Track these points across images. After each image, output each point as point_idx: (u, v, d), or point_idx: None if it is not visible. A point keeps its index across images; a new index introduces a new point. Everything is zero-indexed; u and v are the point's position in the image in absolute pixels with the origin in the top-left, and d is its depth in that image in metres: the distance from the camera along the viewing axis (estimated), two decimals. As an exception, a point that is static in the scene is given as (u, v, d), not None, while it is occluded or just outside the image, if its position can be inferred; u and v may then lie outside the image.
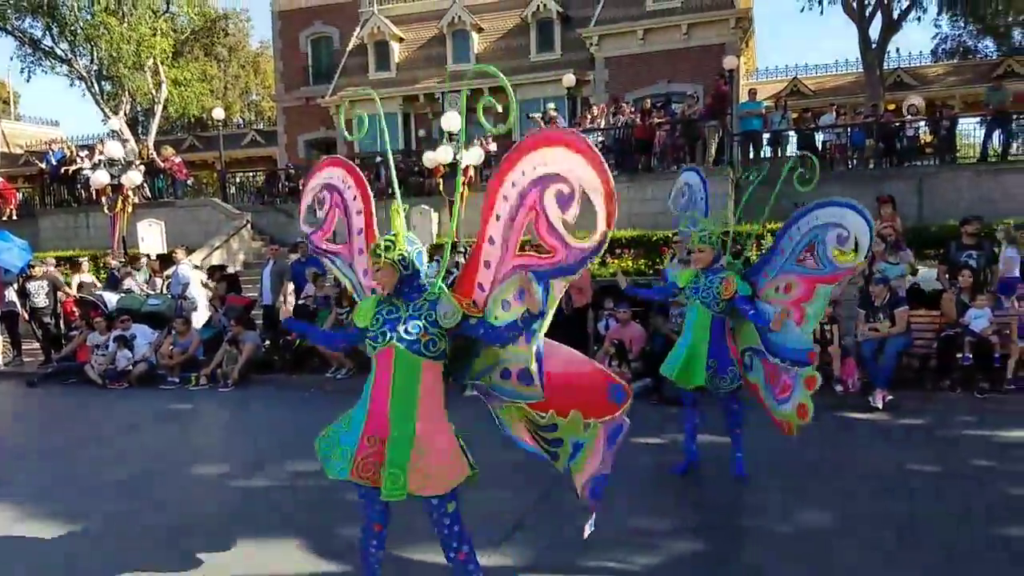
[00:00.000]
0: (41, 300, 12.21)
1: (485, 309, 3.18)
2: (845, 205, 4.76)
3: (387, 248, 3.17)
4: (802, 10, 26.71)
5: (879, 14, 21.26)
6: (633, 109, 17.62)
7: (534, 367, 3.15)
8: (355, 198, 3.73)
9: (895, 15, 21.57)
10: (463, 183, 15.97)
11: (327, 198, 3.82)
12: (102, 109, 29.36)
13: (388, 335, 3.13)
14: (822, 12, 22.68)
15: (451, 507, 3.16)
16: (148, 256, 14.29)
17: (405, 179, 19.07)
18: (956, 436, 6.62)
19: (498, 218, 3.08)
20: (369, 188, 3.77)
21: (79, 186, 19.26)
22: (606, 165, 2.79)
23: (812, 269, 4.91)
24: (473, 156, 15.64)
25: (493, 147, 18.37)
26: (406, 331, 3.11)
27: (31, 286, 12.26)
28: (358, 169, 3.85)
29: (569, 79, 21.05)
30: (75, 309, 12.37)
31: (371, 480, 3.09)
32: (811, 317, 4.91)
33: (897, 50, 26.28)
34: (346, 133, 4.04)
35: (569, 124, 19.43)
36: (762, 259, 5.40)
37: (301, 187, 3.88)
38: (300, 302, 11.56)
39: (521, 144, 2.97)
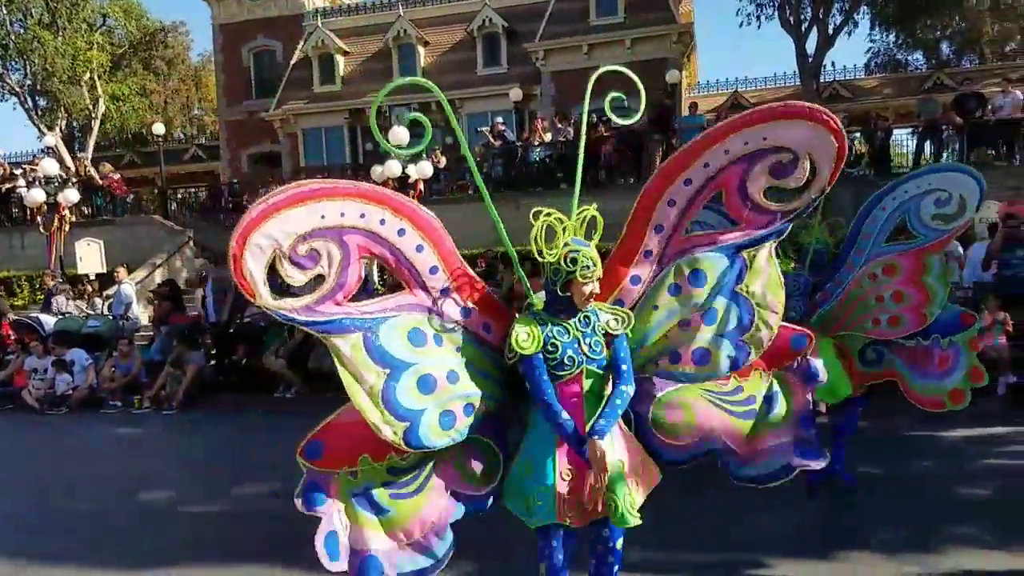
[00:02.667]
0: (-24, 325, 11.78)
1: (637, 304, 3.02)
2: (939, 170, 4.65)
3: (593, 263, 2.77)
4: (741, 25, 27.48)
5: (815, 29, 21.98)
6: (577, 122, 17.86)
7: (725, 350, 3.00)
8: (402, 232, 2.81)
9: (830, 30, 22.33)
10: (415, 197, 15.98)
11: (327, 251, 2.69)
12: (36, 125, 28.45)
13: (577, 359, 2.81)
14: (760, 27, 23.33)
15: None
16: (87, 276, 13.89)
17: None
18: (891, 438, 6.68)
19: (687, 183, 2.97)
20: (423, 209, 2.88)
21: (13, 205, 18.65)
22: (843, 129, 2.96)
23: (911, 242, 4.68)
24: (422, 170, 15.63)
25: (443, 161, 18.40)
26: (591, 350, 2.83)
27: None
28: (386, 190, 2.89)
29: (516, 93, 21.22)
30: (10, 333, 11.92)
31: (573, 519, 2.82)
32: (936, 287, 4.59)
33: (832, 64, 27.17)
34: (382, 138, 3.03)
35: (517, 138, 19.59)
36: (838, 259, 5.09)
37: (238, 248, 2.61)
38: (246, 319, 11.37)
39: (752, 115, 2.94)
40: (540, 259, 2.80)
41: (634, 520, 2.70)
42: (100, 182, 18.93)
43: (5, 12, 26.80)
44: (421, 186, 16.04)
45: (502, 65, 24.68)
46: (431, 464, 2.92)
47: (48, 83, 27.88)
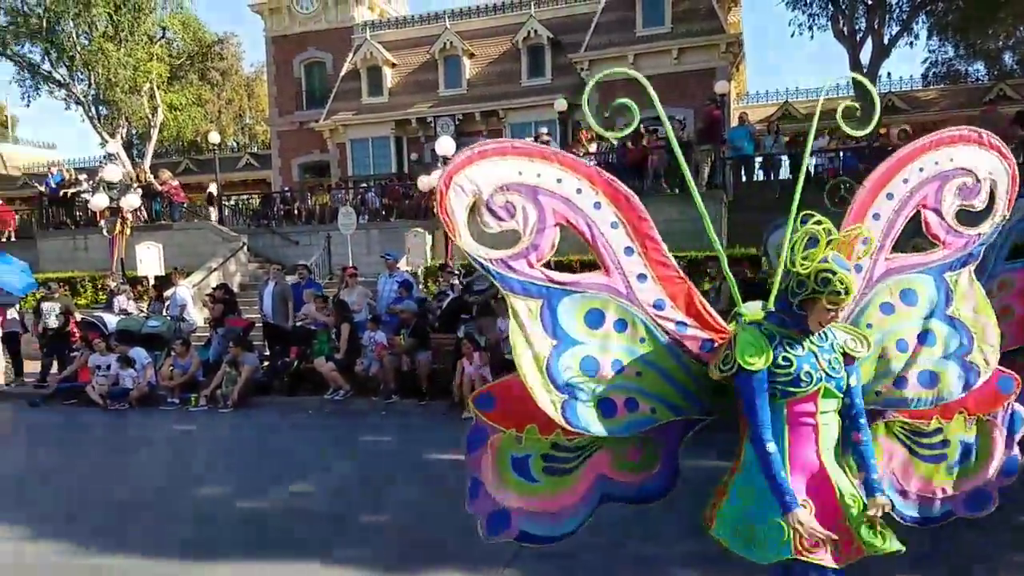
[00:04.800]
0: (52, 321, 12.32)
1: (849, 320, 2.86)
2: None
3: (846, 291, 2.48)
4: (792, 35, 27.15)
5: (870, 39, 21.65)
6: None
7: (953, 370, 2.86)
8: (597, 205, 2.78)
9: (886, 40, 21.95)
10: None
11: (523, 206, 2.73)
12: (99, 133, 29.55)
13: (815, 375, 2.54)
14: (812, 37, 23.02)
15: None
16: (147, 278, 14.44)
17: (399, 202, 19.35)
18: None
19: (890, 196, 2.96)
20: (622, 186, 2.83)
21: (77, 209, 19.42)
22: (1011, 154, 3.03)
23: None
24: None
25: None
26: (830, 367, 2.57)
27: (45, 307, 12.44)
28: (585, 162, 2.87)
29: (560, 104, 21.34)
30: (76, 331, 12.42)
31: (812, 553, 2.47)
32: None
33: (888, 74, 26.69)
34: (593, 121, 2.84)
35: (561, 148, 19.68)
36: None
37: (444, 185, 2.69)
38: (298, 324, 11.69)
39: (927, 142, 3.06)
40: (791, 267, 2.56)
41: (893, 547, 2.52)
42: (159, 188, 19.60)
43: (73, 25, 27.92)
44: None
45: (546, 76, 24.85)
46: (593, 450, 2.93)
47: (110, 93, 28.94)
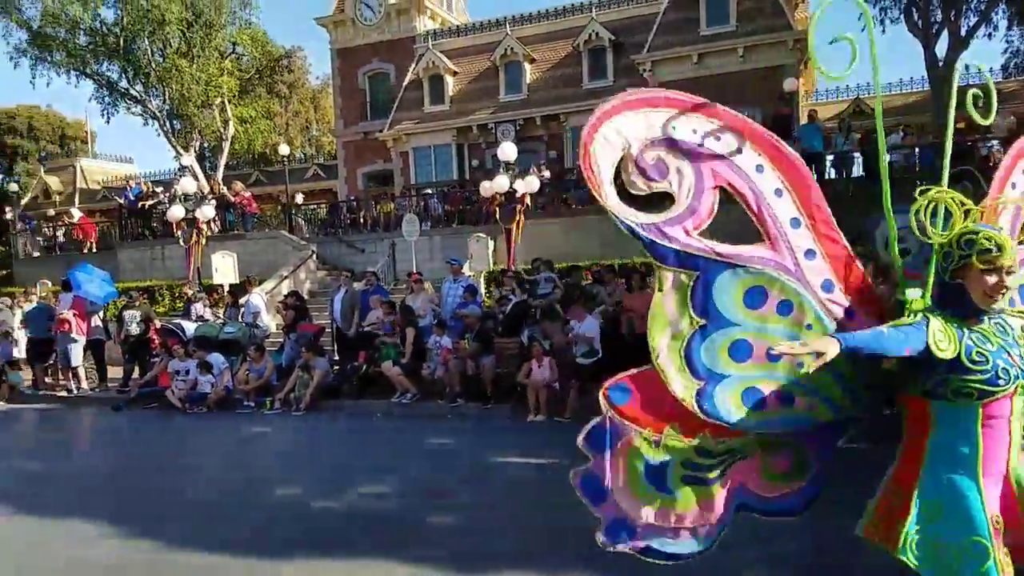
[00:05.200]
0: (134, 328, 12.83)
1: None
2: None
3: (999, 248, 2.23)
4: (863, 29, 26.23)
5: (945, 32, 20.79)
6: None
7: None
8: (760, 169, 2.48)
9: (963, 32, 21.05)
10: (521, 211, 16.17)
11: (676, 166, 2.45)
12: (174, 146, 30.67)
13: (1011, 372, 2.26)
14: (883, 31, 22.04)
15: None
16: (222, 286, 14.90)
17: (461, 208, 19.50)
18: None
19: (1014, 186, 2.78)
20: (788, 149, 2.55)
21: (155, 220, 20.20)
22: None
23: None
24: (529, 184, 15.79)
25: (547, 174, 18.55)
26: (1023, 361, 2.30)
27: (127, 315, 12.97)
28: (749, 121, 2.55)
29: (624, 106, 21.13)
30: (155, 337, 12.88)
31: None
32: None
33: (966, 67, 25.54)
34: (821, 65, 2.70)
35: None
36: None
37: (588, 137, 2.43)
38: (365, 329, 11.87)
39: None
40: (925, 239, 2.32)
41: None
42: (232, 199, 20.23)
43: (148, 43, 29.09)
44: (528, 200, 16.17)
45: (608, 78, 24.63)
46: (741, 455, 2.59)
47: (184, 107, 30.03)
